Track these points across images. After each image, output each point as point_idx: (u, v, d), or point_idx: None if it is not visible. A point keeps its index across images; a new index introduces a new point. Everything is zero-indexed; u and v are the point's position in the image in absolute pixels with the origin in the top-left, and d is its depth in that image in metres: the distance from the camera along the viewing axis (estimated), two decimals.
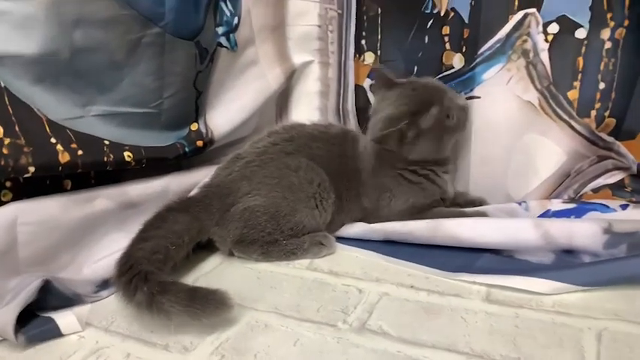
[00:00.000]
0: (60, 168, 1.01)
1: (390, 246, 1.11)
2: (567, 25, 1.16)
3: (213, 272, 1.07)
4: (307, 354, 0.77)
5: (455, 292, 0.92)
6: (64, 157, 1.01)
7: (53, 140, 1.01)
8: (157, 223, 1.04)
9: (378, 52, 1.44)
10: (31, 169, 0.96)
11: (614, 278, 0.87)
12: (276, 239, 1.08)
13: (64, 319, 0.87)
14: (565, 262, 0.97)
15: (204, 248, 1.12)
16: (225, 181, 1.14)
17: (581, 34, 1.15)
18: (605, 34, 1.13)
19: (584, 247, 0.97)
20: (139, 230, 1.02)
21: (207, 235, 1.10)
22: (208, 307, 0.82)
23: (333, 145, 1.20)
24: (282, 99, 1.58)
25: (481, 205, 1.23)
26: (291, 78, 1.54)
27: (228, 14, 1.36)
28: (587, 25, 1.14)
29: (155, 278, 0.86)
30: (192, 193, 1.20)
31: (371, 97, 1.47)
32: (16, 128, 0.97)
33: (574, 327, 0.79)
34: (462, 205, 1.26)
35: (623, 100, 1.15)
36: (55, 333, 0.85)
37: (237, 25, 1.38)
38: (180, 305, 0.81)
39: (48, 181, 1.06)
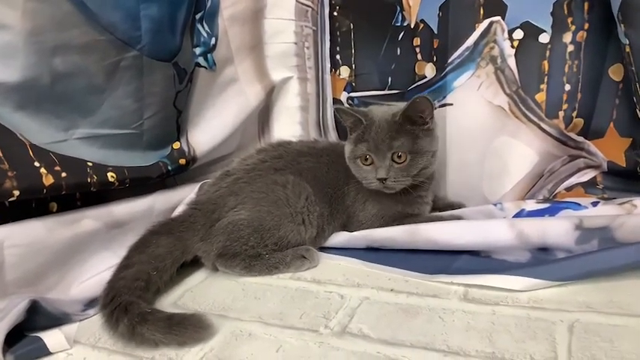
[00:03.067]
0: (44, 191, 1.03)
1: (372, 253, 1.14)
2: (531, 31, 1.20)
3: (199, 286, 1.09)
4: (289, 359, 0.79)
5: (433, 293, 0.94)
6: (48, 180, 1.03)
7: (37, 164, 1.03)
8: (140, 248, 1.06)
9: (353, 66, 1.48)
10: (16, 192, 0.98)
11: (587, 272, 0.90)
12: (259, 253, 1.10)
13: (52, 337, 0.89)
14: (540, 260, 1.00)
15: (190, 263, 1.14)
16: (212, 197, 1.16)
17: (544, 38, 1.20)
18: (567, 37, 1.18)
19: (557, 244, 1.00)
20: (123, 256, 1.04)
21: (192, 254, 1.11)
22: (186, 332, 0.85)
23: (321, 157, 1.24)
24: (263, 115, 1.61)
25: (459, 209, 1.26)
26: (271, 94, 1.58)
27: (205, 35, 1.39)
28: (549, 30, 1.19)
29: (135, 309, 0.88)
30: (177, 212, 1.22)
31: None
32: (0, 154, 0.99)
33: (548, 320, 0.81)
34: (441, 209, 1.29)
35: (589, 100, 1.19)
36: (43, 352, 0.87)
37: (214, 45, 1.42)
38: (159, 333, 0.84)
39: (34, 205, 1.07)
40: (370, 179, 1.14)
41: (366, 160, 1.15)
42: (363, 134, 1.15)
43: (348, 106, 1.15)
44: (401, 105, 1.15)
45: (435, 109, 1.26)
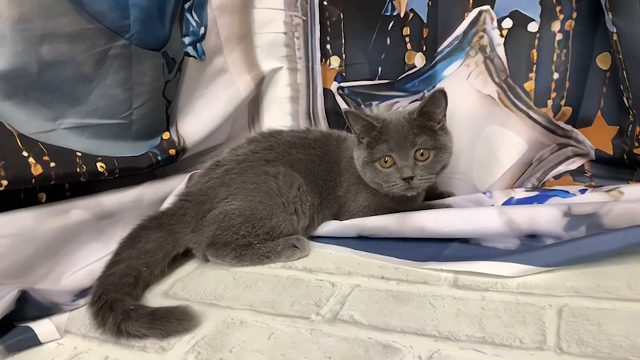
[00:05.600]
0: (33, 180, 1.02)
1: (362, 241, 1.14)
2: (520, 20, 1.21)
3: (190, 276, 1.09)
4: (281, 346, 0.79)
5: (423, 280, 0.95)
6: (36, 170, 1.03)
7: (25, 154, 1.03)
8: (129, 243, 1.06)
9: (343, 56, 1.48)
10: (4, 182, 0.97)
11: (575, 258, 0.91)
12: (250, 242, 1.09)
13: (42, 327, 0.89)
14: (529, 246, 1.01)
15: (181, 253, 1.13)
16: (203, 188, 1.15)
17: (533, 27, 1.20)
18: (556, 26, 1.18)
19: (546, 230, 1.01)
20: (113, 252, 1.04)
21: (184, 246, 1.11)
22: (170, 325, 0.85)
23: (314, 148, 1.22)
24: (253, 106, 1.61)
25: (449, 197, 1.27)
26: (261, 85, 1.58)
27: (194, 24, 1.38)
28: (538, 19, 1.19)
29: (119, 307, 0.88)
30: (166, 204, 1.22)
31: (339, 99, 1.51)
32: None
33: (537, 305, 0.83)
34: (432, 198, 1.29)
35: (578, 88, 1.20)
36: (33, 341, 0.87)
37: (203, 35, 1.41)
38: (144, 329, 0.85)
39: (22, 195, 1.07)
40: (392, 182, 1.08)
41: (386, 162, 1.09)
42: (379, 135, 1.09)
43: (356, 110, 1.10)
44: (410, 106, 1.13)
45: None
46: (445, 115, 1.10)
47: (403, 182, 1.07)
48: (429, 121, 1.08)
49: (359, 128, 1.11)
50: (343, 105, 1.51)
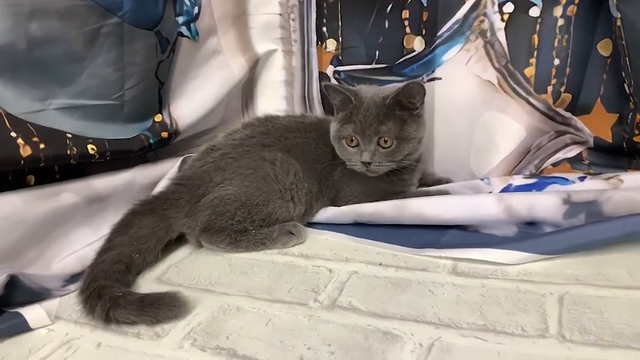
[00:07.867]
0: (22, 162, 0.99)
1: (360, 228, 1.13)
2: (522, 4, 1.19)
3: (183, 262, 1.07)
4: (279, 332, 0.78)
5: (422, 267, 0.94)
6: (25, 151, 0.99)
7: (13, 134, 0.99)
8: (121, 229, 1.04)
9: (340, 39, 1.45)
10: None
11: (575, 245, 0.90)
12: (245, 228, 1.08)
13: (33, 313, 0.86)
14: (528, 234, 1.00)
15: (175, 239, 1.11)
16: (198, 172, 1.13)
17: (535, 12, 1.19)
18: (558, 11, 1.17)
19: (545, 218, 1.01)
20: (105, 238, 1.02)
21: (177, 232, 1.09)
22: (160, 312, 0.84)
23: (309, 132, 1.22)
24: (247, 89, 1.58)
25: (447, 183, 1.26)
26: (255, 67, 1.55)
27: (188, 3, 1.35)
28: (540, 3, 1.18)
29: (107, 294, 0.87)
30: (159, 188, 1.19)
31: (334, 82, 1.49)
32: None
33: (537, 293, 0.82)
34: (430, 185, 1.28)
35: (578, 75, 1.19)
36: (23, 327, 0.85)
37: (197, 15, 1.37)
38: (133, 316, 0.83)
39: (10, 177, 1.03)
40: (354, 161, 1.14)
41: (352, 141, 1.13)
42: (350, 115, 1.12)
43: (337, 83, 1.11)
44: (391, 87, 1.13)
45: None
46: (423, 104, 1.13)
47: (362, 165, 1.13)
48: (400, 110, 1.10)
49: (338, 101, 1.16)
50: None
